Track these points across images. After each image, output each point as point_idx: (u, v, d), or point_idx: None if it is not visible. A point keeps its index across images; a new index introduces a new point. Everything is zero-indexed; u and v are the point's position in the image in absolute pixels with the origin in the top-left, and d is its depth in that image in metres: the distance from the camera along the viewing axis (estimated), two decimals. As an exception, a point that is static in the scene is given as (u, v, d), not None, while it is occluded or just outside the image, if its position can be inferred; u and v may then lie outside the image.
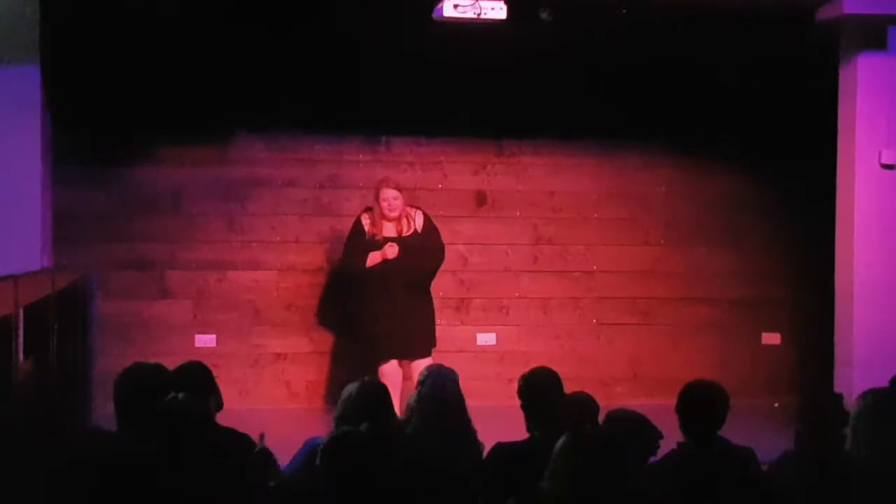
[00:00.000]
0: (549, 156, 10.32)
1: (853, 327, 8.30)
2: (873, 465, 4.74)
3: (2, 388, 4.38)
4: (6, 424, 4.39)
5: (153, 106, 9.38)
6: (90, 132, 9.29)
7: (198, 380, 5.44)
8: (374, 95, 9.65)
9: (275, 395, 9.83)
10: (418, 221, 8.78)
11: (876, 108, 8.34)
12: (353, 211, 9.67)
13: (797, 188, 10.12)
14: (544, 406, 5.25)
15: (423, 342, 8.70)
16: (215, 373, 5.63)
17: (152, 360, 5.51)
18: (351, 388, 5.35)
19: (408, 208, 8.82)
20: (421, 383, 5.63)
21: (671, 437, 5.03)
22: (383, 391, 5.52)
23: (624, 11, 8.43)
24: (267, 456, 5.15)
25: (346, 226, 9.73)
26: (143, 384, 5.05)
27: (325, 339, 9.95)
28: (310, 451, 4.89)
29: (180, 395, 4.68)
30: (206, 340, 9.72)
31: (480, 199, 10.14)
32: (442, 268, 9.02)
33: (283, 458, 5.52)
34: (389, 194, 8.68)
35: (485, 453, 5.46)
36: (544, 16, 8.39)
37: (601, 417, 5.23)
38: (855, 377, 8.02)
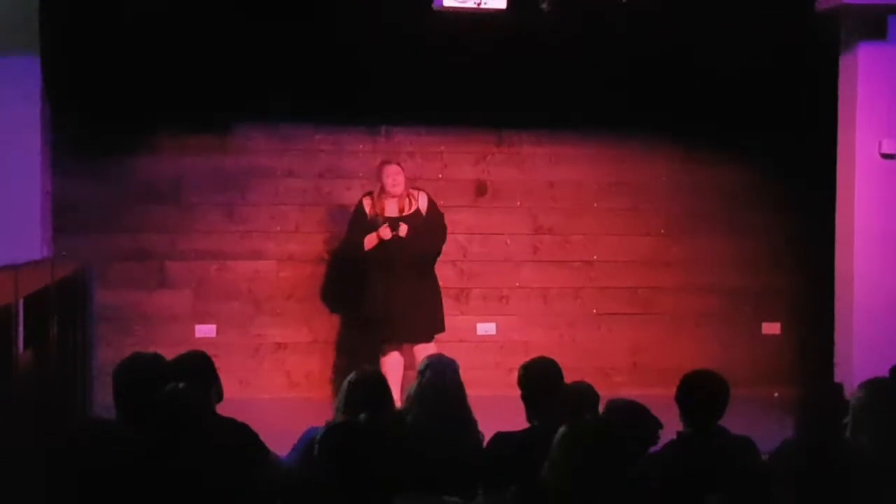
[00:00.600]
0: (550, 145, 10.31)
1: (853, 317, 8.30)
2: (873, 454, 4.74)
3: (1, 378, 4.37)
4: (6, 414, 4.39)
5: (153, 96, 9.38)
6: (90, 122, 9.29)
7: (199, 369, 5.44)
8: (375, 85, 9.64)
9: (275, 384, 9.84)
10: (422, 202, 8.83)
11: (876, 98, 8.34)
12: (354, 200, 9.67)
13: (798, 178, 10.11)
14: (544, 396, 5.25)
15: (427, 326, 8.71)
16: (215, 363, 5.62)
17: (152, 350, 5.51)
18: (350, 377, 5.36)
19: (412, 189, 8.86)
20: (421, 373, 5.63)
21: (671, 426, 5.03)
22: (382, 381, 5.52)
23: (624, 1, 8.41)
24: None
25: (347, 215, 9.76)
26: (143, 374, 5.05)
27: (325, 329, 9.95)
28: (309, 440, 4.88)
29: (180, 385, 4.68)
30: (205, 330, 9.72)
31: (480, 188, 10.14)
32: (442, 258, 9.04)
33: (283, 447, 5.52)
34: (392, 170, 8.75)
35: (485, 443, 5.47)
36: (544, 6, 8.37)
37: (601, 407, 5.23)
38: (855, 367, 8.02)
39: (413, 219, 8.73)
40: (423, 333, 8.69)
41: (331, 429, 4.17)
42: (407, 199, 8.79)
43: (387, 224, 8.63)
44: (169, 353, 5.43)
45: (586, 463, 3.65)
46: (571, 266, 10.33)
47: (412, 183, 9.39)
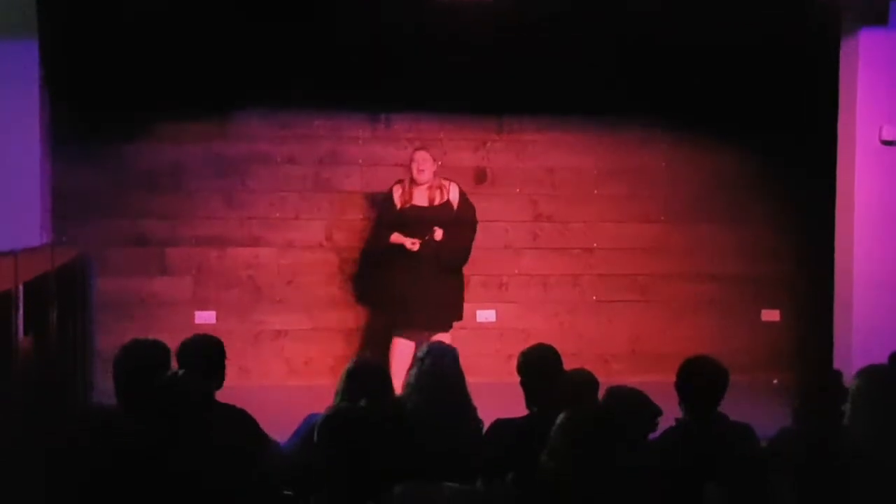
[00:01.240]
0: (549, 133, 10.30)
1: (852, 304, 8.30)
2: (872, 441, 4.75)
3: (1, 364, 4.37)
4: (6, 401, 4.39)
5: (153, 82, 9.37)
6: (90, 109, 9.29)
7: (209, 355, 5.44)
8: (374, 72, 9.63)
9: (275, 371, 9.85)
10: (453, 194, 8.81)
11: (876, 85, 8.33)
12: (353, 187, 9.70)
13: (798, 164, 10.11)
14: (544, 383, 5.25)
15: (445, 314, 8.69)
16: (217, 350, 5.63)
17: (152, 337, 5.51)
18: (350, 365, 5.37)
19: (443, 180, 8.84)
20: (420, 360, 5.63)
21: (670, 413, 5.03)
22: (381, 369, 5.53)
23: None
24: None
25: (346, 202, 9.82)
26: (143, 361, 5.05)
27: (325, 316, 9.96)
28: (309, 427, 4.88)
29: (179, 372, 4.68)
30: (205, 317, 9.73)
31: (480, 175, 10.13)
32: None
33: (283, 434, 5.53)
34: (419, 156, 8.75)
35: (484, 430, 5.47)
36: None
37: (600, 394, 5.23)
38: (854, 354, 8.03)
39: (443, 211, 8.71)
40: (442, 321, 8.68)
41: (330, 415, 4.17)
42: (438, 190, 8.76)
43: (416, 241, 8.58)
44: (169, 340, 5.42)
45: (586, 450, 3.66)
46: (571, 253, 10.34)
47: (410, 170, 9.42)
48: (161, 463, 4.09)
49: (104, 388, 6.07)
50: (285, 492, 4.73)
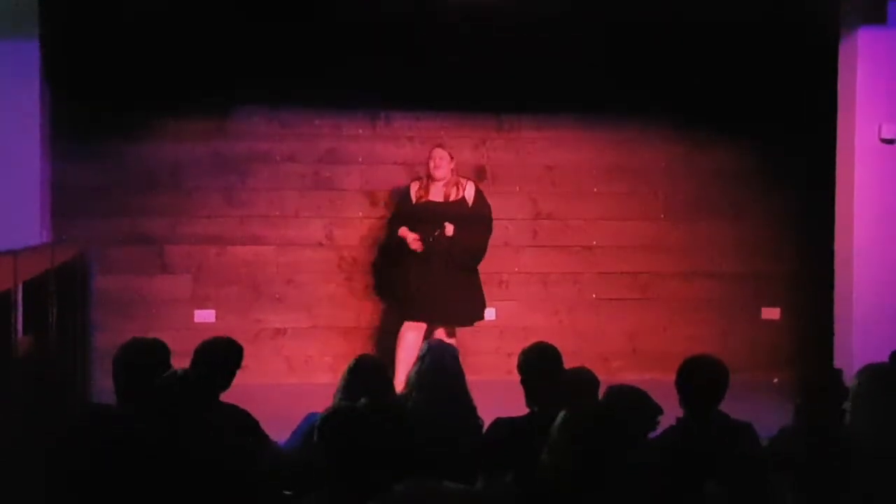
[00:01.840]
0: (549, 130, 10.29)
1: (853, 302, 8.30)
2: (873, 440, 4.75)
3: (1, 363, 4.38)
4: (5, 400, 4.40)
5: (153, 80, 9.37)
6: (89, 106, 9.28)
7: (221, 359, 5.46)
8: (374, 70, 9.62)
9: (274, 370, 9.83)
10: (469, 191, 8.85)
11: (876, 83, 8.32)
12: (353, 186, 9.70)
13: (797, 162, 10.11)
14: (544, 381, 5.25)
15: (459, 310, 8.72)
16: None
17: (151, 336, 5.51)
18: (351, 364, 5.38)
19: (460, 178, 8.88)
20: (421, 358, 5.64)
21: (670, 412, 5.03)
22: (382, 367, 5.54)
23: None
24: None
25: (346, 200, 9.81)
26: (143, 359, 5.05)
27: (325, 314, 9.96)
28: (309, 426, 4.89)
29: (179, 371, 4.68)
30: (205, 315, 9.72)
31: (480, 173, 10.11)
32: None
33: (283, 433, 5.53)
34: (437, 153, 8.81)
35: (484, 428, 5.47)
36: None
37: (601, 392, 5.23)
38: (854, 352, 8.02)
39: (457, 207, 8.72)
40: (452, 318, 8.70)
41: (330, 414, 4.17)
42: (454, 187, 8.80)
43: (419, 239, 8.62)
44: (168, 338, 5.42)
45: (586, 448, 3.65)
46: (571, 251, 10.33)
47: (411, 168, 9.44)
48: (160, 462, 4.08)
49: (104, 386, 6.07)
50: (285, 491, 4.73)
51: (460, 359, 5.72)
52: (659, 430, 5.06)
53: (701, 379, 4.94)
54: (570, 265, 10.32)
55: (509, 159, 10.23)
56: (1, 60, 7.73)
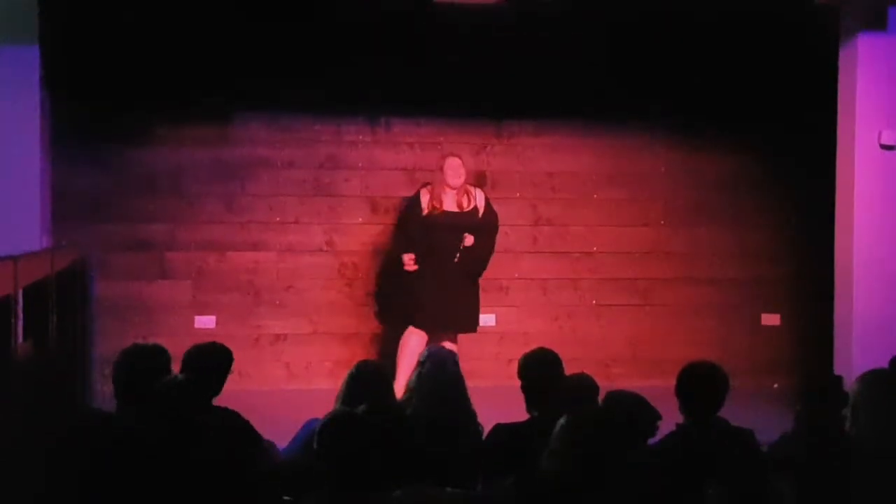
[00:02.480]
0: (549, 136, 10.30)
1: (853, 308, 8.29)
2: (873, 446, 4.75)
3: (1, 368, 4.37)
4: (5, 405, 4.39)
5: (153, 86, 9.37)
6: (90, 112, 9.28)
7: (219, 364, 5.45)
8: (374, 76, 9.63)
9: (274, 376, 9.84)
10: (479, 200, 8.80)
11: (876, 89, 8.33)
12: (353, 192, 9.69)
13: (797, 169, 10.12)
14: (544, 387, 5.25)
15: (461, 319, 8.71)
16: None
17: (151, 341, 5.51)
18: (352, 370, 5.38)
19: (468, 186, 8.82)
20: (421, 364, 5.63)
21: (670, 418, 5.03)
22: (382, 373, 5.54)
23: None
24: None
25: (346, 206, 9.78)
26: (142, 365, 5.05)
27: (325, 320, 9.95)
28: (309, 432, 4.88)
29: (178, 377, 4.68)
30: (205, 321, 9.71)
31: (480, 179, 10.12)
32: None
33: (283, 439, 5.53)
34: (455, 163, 8.72)
35: (484, 434, 5.47)
36: None
37: (601, 398, 5.23)
38: (854, 358, 8.02)
39: (470, 217, 8.69)
40: (456, 326, 8.70)
41: (330, 420, 4.17)
42: (466, 196, 8.75)
43: (413, 259, 8.61)
44: (168, 344, 5.42)
45: (586, 454, 3.66)
46: (571, 257, 10.33)
47: (410, 175, 9.45)
48: (158, 466, 4.08)
49: (104, 391, 6.07)
50: (285, 497, 4.73)
51: (460, 364, 5.72)
52: (659, 435, 5.06)
53: (701, 385, 4.94)
54: (570, 271, 10.32)
55: (509, 165, 10.23)
56: (1, 65, 7.73)
